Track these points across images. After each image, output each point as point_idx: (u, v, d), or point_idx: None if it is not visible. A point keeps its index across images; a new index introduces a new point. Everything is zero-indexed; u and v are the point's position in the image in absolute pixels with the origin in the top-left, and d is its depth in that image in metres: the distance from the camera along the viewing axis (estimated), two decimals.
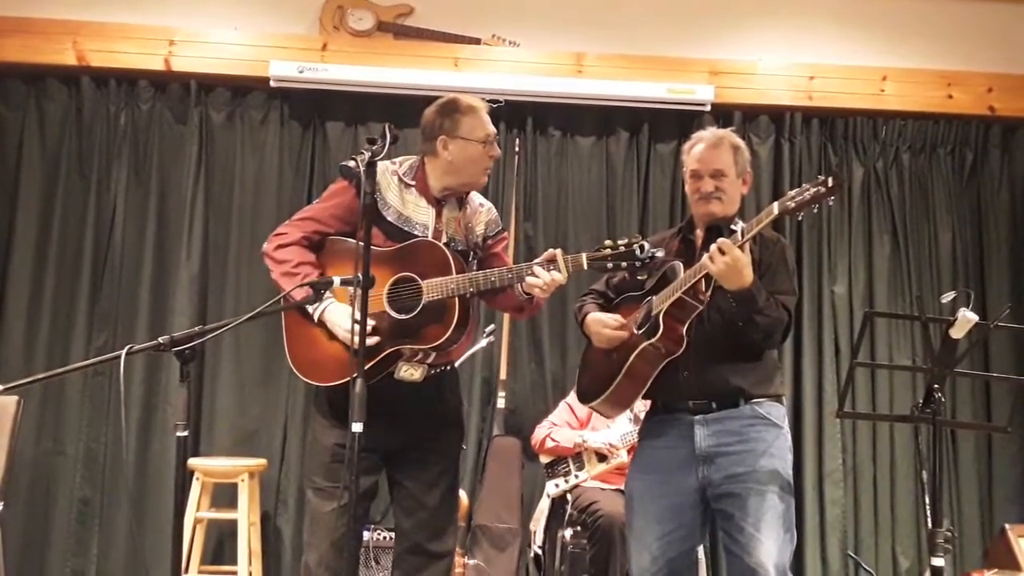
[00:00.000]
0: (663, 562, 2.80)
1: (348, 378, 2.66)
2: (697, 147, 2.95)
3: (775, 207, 2.62)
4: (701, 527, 2.86)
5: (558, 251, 2.73)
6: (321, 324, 2.82)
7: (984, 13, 5.26)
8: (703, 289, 2.72)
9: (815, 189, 2.57)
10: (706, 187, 2.89)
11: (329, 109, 4.99)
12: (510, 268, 2.78)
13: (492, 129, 2.92)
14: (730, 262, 2.59)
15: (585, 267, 2.70)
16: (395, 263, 2.80)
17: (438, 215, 2.91)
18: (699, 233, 2.95)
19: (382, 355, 2.76)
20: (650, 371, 2.77)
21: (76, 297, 4.83)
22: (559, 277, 2.70)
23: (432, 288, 2.74)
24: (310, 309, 2.81)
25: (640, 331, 2.79)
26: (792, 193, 2.62)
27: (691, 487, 2.79)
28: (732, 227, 2.70)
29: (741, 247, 2.60)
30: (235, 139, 4.99)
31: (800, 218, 2.98)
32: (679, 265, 2.79)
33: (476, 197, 3.05)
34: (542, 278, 2.69)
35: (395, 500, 2.95)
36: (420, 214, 2.89)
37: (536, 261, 2.73)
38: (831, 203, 2.60)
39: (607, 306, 3.01)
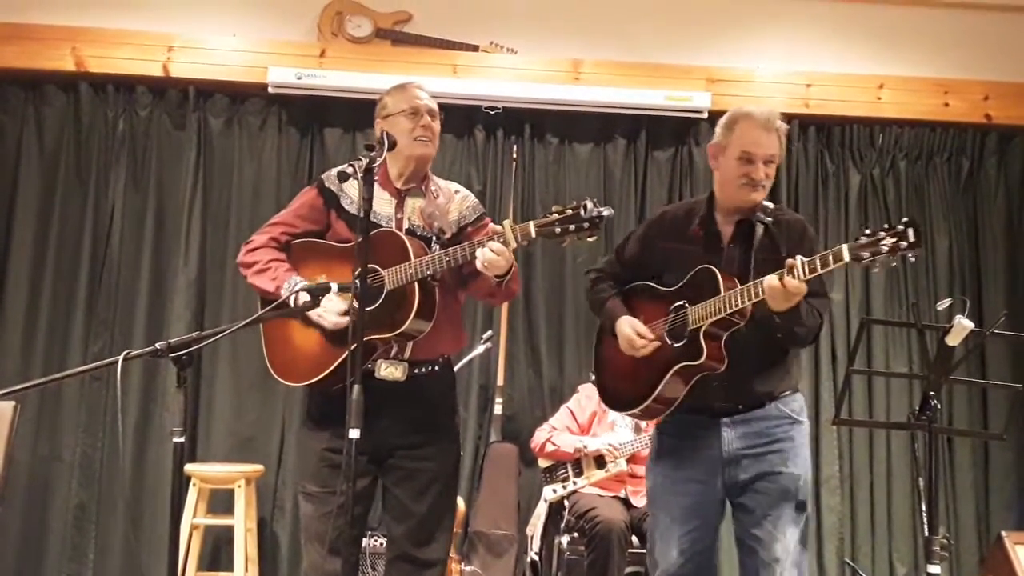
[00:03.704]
0: (690, 554, 2.78)
1: (319, 376, 2.76)
2: (750, 128, 2.71)
3: (846, 254, 2.39)
4: (719, 518, 2.85)
5: (507, 221, 2.68)
6: (300, 321, 2.81)
7: (980, 22, 5.28)
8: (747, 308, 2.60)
9: (892, 241, 2.32)
10: (757, 174, 2.69)
11: (327, 115, 5.00)
12: (463, 245, 2.72)
13: (420, 103, 2.88)
14: (795, 298, 2.48)
15: (533, 235, 2.65)
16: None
17: (399, 205, 2.91)
18: (725, 226, 2.78)
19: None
20: (685, 387, 2.72)
21: (73, 302, 4.83)
22: (508, 246, 2.65)
23: (393, 275, 2.73)
24: (286, 297, 2.76)
25: (675, 343, 2.71)
26: (865, 241, 2.37)
27: (716, 486, 2.77)
28: (762, 214, 2.61)
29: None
30: (233, 145, 5.00)
31: (876, 271, 2.69)
32: (713, 271, 2.67)
33: (450, 185, 3.04)
34: (493, 249, 2.64)
35: (385, 508, 2.92)
36: (382, 206, 2.87)
37: (488, 236, 2.68)
38: (912, 259, 2.34)
39: (625, 293, 2.93)
